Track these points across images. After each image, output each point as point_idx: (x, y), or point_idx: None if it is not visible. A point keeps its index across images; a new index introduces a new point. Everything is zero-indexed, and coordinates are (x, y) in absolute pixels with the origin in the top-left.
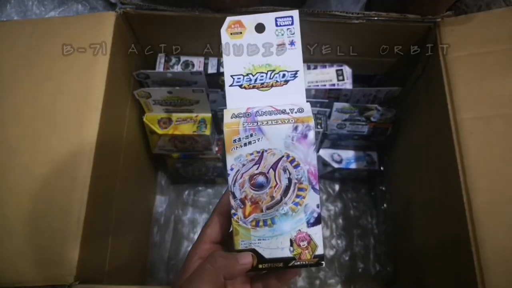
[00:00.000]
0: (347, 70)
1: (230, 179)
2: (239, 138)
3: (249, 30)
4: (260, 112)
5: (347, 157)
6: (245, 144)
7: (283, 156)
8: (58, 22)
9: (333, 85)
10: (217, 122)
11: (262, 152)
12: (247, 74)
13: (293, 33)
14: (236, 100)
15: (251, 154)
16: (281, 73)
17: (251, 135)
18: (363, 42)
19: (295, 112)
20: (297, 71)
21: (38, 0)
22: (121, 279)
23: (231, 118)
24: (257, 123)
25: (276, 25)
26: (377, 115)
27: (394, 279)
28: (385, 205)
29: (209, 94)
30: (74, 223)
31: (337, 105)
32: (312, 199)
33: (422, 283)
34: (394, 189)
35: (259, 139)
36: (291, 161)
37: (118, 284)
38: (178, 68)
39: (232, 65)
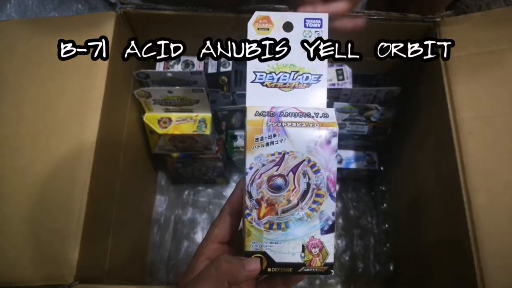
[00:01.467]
0: (347, 70)
1: (248, 178)
2: (262, 137)
3: (276, 27)
4: (284, 113)
5: (347, 157)
6: (267, 144)
7: (304, 160)
8: (58, 22)
9: (333, 84)
10: (217, 121)
11: (284, 154)
12: (270, 72)
13: (321, 37)
14: (256, 97)
15: (272, 154)
16: (305, 75)
17: (275, 135)
18: (363, 41)
19: (320, 117)
20: (321, 75)
21: (38, 0)
22: (121, 279)
23: (255, 115)
24: (282, 124)
25: (305, 26)
26: (377, 115)
27: (394, 279)
28: (385, 205)
29: (209, 93)
30: (74, 223)
31: (337, 104)
32: (329, 206)
33: (422, 283)
34: (394, 189)
35: (282, 140)
36: (312, 166)
37: (118, 284)
38: (178, 68)
39: (256, 61)
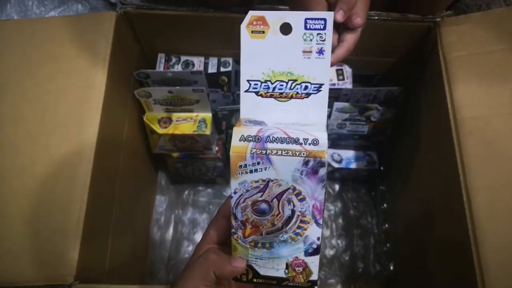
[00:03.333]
0: (347, 70)
1: (232, 201)
2: (245, 165)
3: (273, 29)
4: (271, 138)
5: (347, 157)
6: (251, 171)
7: (289, 188)
8: (58, 22)
9: (333, 84)
10: (217, 122)
11: (268, 182)
12: (266, 81)
13: (324, 40)
14: (250, 108)
15: (256, 181)
16: (303, 85)
17: (258, 163)
18: (363, 41)
19: (309, 144)
20: (322, 84)
21: (38, 0)
22: (121, 279)
23: (240, 140)
24: (266, 151)
25: (305, 27)
26: (377, 115)
27: (394, 279)
28: (385, 205)
29: (209, 93)
30: (74, 223)
31: (337, 104)
32: (314, 232)
33: (422, 283)
34: (394, 189)
35: (266, 168)
36: (297, 194)
37: (118, 284)
38: (178, 68)
39: (250, 69)
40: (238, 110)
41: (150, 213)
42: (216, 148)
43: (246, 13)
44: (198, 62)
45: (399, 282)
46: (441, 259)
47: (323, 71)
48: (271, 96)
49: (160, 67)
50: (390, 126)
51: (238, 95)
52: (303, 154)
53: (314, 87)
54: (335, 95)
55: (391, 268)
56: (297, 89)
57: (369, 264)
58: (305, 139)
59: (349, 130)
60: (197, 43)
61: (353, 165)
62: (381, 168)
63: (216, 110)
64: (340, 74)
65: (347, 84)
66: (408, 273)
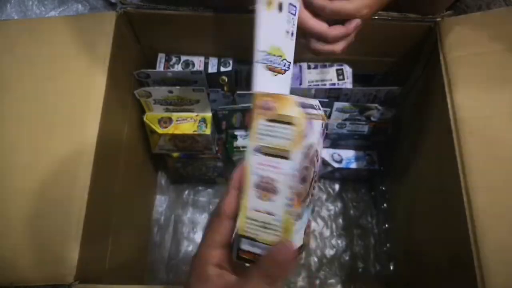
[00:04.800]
0: (347, 70)
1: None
2: (305, 132)
3: (275, 3)
4: (304, 105)
5: (347, 156)
6: (305, 136)
7: (317, 151)
8: (58, 22)
9: (333, 84)
10: (217, 121)
11: (311, 146)
12: (268, 54)
13: (294, 24)
14: (262, 80)
15: (308, 147)
16: (285, 61)
17: (309, 129)
18: (363, 41)
19: (319, 109)
20: (290, 63)
21: (38, 0)
22: (121, 278)
23: (297, 106)
24: (309, 117)
25: (289, 11)
26: (377, 115)
27: (394, 279)
28: (385, 205)
29: (209, 93)
30: (74, 223)
31: (337, 104)
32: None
33: (422, 283)
34: (394, 189)
35: (313, 134)
36: (317, 157)
37: (118, 284)
38: (178, 68)
39: (263, 39)
40: (238, 110)
41: (150, 213)
42: (216, 148)
43: (245, 13)
44: (198, 62)
45: (399, 282)
46: (441, 259)
47: (292, 52)
48: (269, 69)
49: (160, 67)
50: (390, 126)
51: (238, 95)
52: (320, 117)
53: (288, 64)
54: (335, 95)
55: (391, 268)
56: (283, 64)
57: (369, 264)
58: (317, 105)
59: (349, 130)
60: (197, 43)
61: (353, 165)
62: (381, 168)
63: (216, 110)
64: (340, 74)
65: (347, 84)
66: (408, 273)
